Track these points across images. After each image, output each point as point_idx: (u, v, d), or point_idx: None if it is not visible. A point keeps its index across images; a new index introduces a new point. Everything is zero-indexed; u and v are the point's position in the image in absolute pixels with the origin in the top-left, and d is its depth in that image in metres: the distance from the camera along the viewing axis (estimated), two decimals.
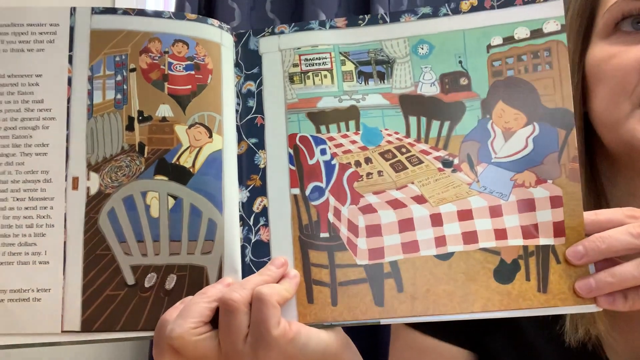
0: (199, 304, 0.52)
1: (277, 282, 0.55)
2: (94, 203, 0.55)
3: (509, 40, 0.58)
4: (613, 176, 0.68)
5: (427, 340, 0.71)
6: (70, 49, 0.57)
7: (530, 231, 0.55)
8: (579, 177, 0.55)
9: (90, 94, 0.57)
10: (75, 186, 0.55)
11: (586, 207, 0.55)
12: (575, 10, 0.68)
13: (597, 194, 0.66)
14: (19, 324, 0.54)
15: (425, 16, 0.59)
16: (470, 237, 0.56)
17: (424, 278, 0.55)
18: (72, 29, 0.57)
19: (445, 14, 0.59)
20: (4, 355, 0.55)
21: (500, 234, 0.56)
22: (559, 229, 0.55)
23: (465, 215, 0.56)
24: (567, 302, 0.54)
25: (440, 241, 0.56)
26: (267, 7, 1.26)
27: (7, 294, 0.54)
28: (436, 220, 0.56)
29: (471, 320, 0.55)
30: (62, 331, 0.54)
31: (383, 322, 0.55)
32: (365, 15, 0.60)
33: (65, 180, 0.55)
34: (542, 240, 0.55)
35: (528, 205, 0.56)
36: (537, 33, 0.57)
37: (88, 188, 0.56)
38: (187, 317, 0.51)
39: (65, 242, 0.55)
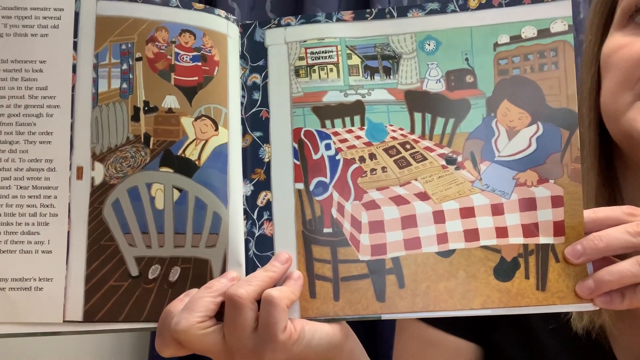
0: (205, 298, 0.52)
1: (282, 279, 0.55)
2: (99, 193, 0.55)
3: (516, 39, 0.58)
4: (625, 173, 0.69)
5: (433, 333, 0.72)
6: (75, 35, 0.56)
7: (530, 230, 0.56)
8: (580, 178, 0.56)
9: (96, 82, 0.56)
10: (79, 176, 0.55)
11: (601, 203, 0.56)
12: (598, 2, 0.68)
13: (612, 191, 0.67)
14: (20, 312, 0.53)
15: (432, 12, 0.59)
16: (471, 234, 0.57)
17: (425, 274, 0.56)
18: (77, 15, 0.56)
19: (453, 11, 0.59)
20: (4, 344, 0.55)
21: (501, 232, 0.56)
22: (559, 228, 0.56)
23: (467, 212, 0.57)
24: (565, 301, 0.55)
25: (442, 238, 0.57)
26: (267, 6, 1.26)
27: (9, 282, 0.54)
28: (439, 217, 0.57)
29: None
30: (64, 321, 0.54)
31: (384, 317, 0.56)
32: (372, 9, 0.60)
33: (70, 169, 0.55)
34: (542, 239, 0.56)
35: (529, 204, 0.56)
36: (544, 33, 0.57)
37: (93, 178, 0.55)
38: (192, 310, 0.51)
39: (69, 232, 0.54)
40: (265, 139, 0.59)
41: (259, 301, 0.53)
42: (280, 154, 0.58)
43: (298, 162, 0.58)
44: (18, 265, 0.54)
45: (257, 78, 0.60)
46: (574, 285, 0.55)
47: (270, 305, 0.51)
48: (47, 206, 0.54)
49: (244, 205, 0.57)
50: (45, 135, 0.55)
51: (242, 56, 0.60)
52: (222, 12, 0.59)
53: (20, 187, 0.54)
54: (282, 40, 0.60)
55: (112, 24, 0.56)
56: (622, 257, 0.54)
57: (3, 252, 0.54)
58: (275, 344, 0.51)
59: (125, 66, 0.56)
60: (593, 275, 0.54)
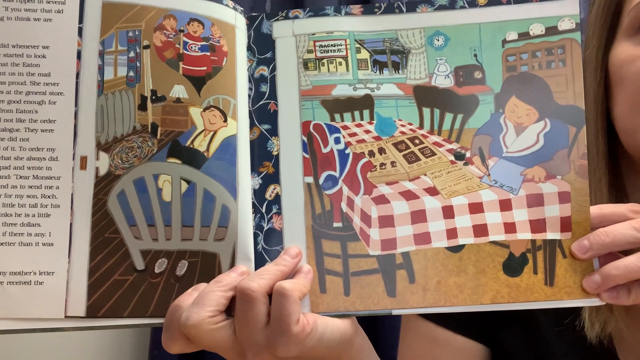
0: (215, 292, 0.50)
1: (292, 273, 0.54)
2: (103, 184, 0.53)
3: (524, 36, 0.58)
4: (632, 177, 0.69)
5: (441, 332, 0.71)
6: (80, 20, 0.54)
7: (538, 225, 0.56)
8: (587, 174, 0.56)
9: (101, 70, 0.54)
10: (83, 166, 0.53)
11: (607, 203, 0.57)
12: (600, 6, 0.68)
13: (617, 192, 0.67)
14: (19, 308, 0.51)
15: (441, 7, 0.59)
16: (480, 230, 0.56)
17: (435, 269, 0.56)
18: (82, 0, 0.54)
19: (462, 7, 0.59)
20: (3, 342, 0.52)
21: (510, 227, 0.56)
22: (565, 224, 0.56)
23: (476, 208, 0.57)
24: (572, 296, 0.55)
25: (452, 233, 0.56)
26: (267, 6, 1.25)
27: (7, 276, 0.51)
28: (448, 212, 0.57)
29: (485, 313, 0.55)
30: (66, 316, 0.52)
31: (395, 312, 0.55)
32: (382, 4, 0.60)
33: (73, 159, 0.53)
34: (550, 235, 0.56)
35: (537, 200, 0.56)
36: (552, 30, 0.58)
37: (97, 168, 0.53)
38: (203, 305, 0.50)
39: (71, 224, 0.52)
40: (274, 131, 0.58)
41: (269, 296, 0.52)
42: (289, 147, 0.57)
43: (307, 156, 0.57)
44: (17, 258, 0.51)
45: (264, 70, 0.59)
46: (581, 280, 0.55)
47: (282, 297, 0.50)
48: (49, 197, 0.52)
49: (252, 198, 0.56)
50: (48, 123, 0.53)
51: (249, 48, 0.59)
52: (230, 3, 0.58)
53: (20, 177, 0.52)
54: (290, 32, 0.59)
55: (119, 11, 0.55)
56: (627, 253, 0.55)
57: (1, 244, 0.51)
58: (289, 337, 0.50)
59: (132, 54, 0.55)
60: (599, 270, 0.54)
